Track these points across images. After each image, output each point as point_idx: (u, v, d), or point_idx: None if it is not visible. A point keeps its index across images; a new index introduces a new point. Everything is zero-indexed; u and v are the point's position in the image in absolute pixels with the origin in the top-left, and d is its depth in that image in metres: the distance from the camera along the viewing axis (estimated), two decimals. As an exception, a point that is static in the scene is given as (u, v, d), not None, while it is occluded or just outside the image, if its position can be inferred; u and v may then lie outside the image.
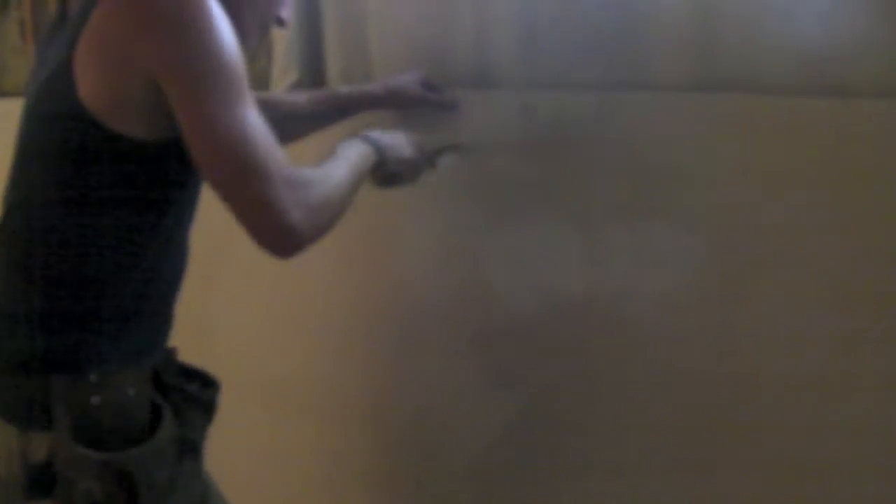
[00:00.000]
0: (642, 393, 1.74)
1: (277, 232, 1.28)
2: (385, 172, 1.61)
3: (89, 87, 1.29)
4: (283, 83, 2.12)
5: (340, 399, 2.15)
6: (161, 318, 1.48)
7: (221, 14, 1.28)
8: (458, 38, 1.95)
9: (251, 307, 2.26)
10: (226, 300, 2.27)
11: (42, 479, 1.34)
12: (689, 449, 1.70)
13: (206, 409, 1.51)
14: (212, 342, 2.05)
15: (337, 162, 1.47)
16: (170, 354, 1.49)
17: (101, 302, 1.38)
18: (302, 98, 1.87)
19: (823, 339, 1.54)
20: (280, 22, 1.57)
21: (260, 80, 2.16)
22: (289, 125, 1.76)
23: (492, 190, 1.86)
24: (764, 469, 1.62)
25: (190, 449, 1.46)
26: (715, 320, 1.64)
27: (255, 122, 1.28)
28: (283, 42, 2.12)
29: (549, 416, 1.85)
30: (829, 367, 1.54)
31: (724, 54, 1.62)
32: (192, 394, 1.48)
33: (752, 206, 1.57)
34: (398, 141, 1.64)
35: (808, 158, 1.52)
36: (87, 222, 1.36)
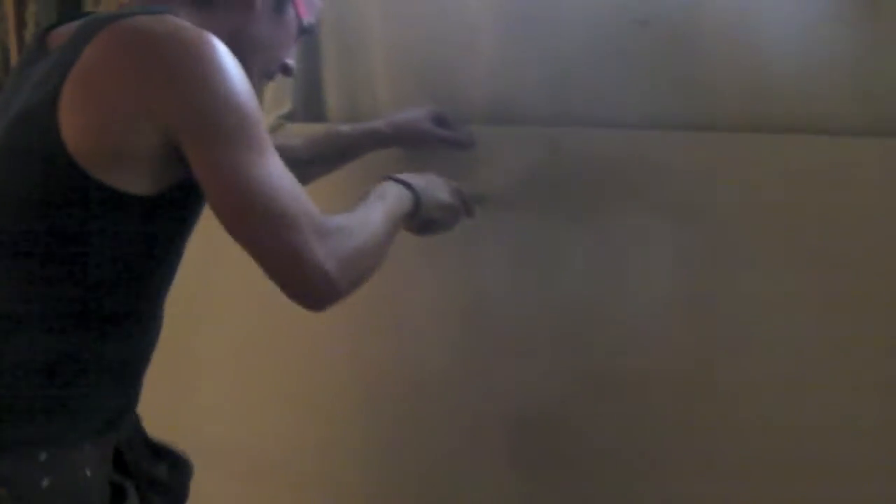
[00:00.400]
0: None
1: (311, 283, 1.26)
2: (421, 219, 1.55)
3: (76, 132, 1.23)
4: (274, 115, 2.06)
5: (334, 476, 2.09)
6: (126, 390, 1.42)
7: (233, 59, 1.26)
8: (476, 69, 1.89)
9: (237, 371, 2.22)
10: (206, 364, 2.24)
11: None
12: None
13: (176, 497, 1.49)
14: (192, 408, 2.07)
15: (371, 207, 1.43)
16: (135, 428, 1.45)
17: (57, 370, 1.31)
18: (298, 141, 1.81)
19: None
20: (285, 69, 1.55)
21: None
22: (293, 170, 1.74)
23: (513, 239, 1.83)
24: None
25: None
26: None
27: (279, 169, 1.27)
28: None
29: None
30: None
31: (766, 94, 1.60)
32: (160, 478, 1.45)
33: (784, 242, 1.58)
34: (435, 185, 1.58)
35: (851, 196, 1.51)
36: (55, 283, 1.30)
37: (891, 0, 1.49)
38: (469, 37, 1.90)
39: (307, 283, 1.25)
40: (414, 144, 1.82)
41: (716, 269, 1.63)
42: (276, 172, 1.26)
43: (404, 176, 1.53)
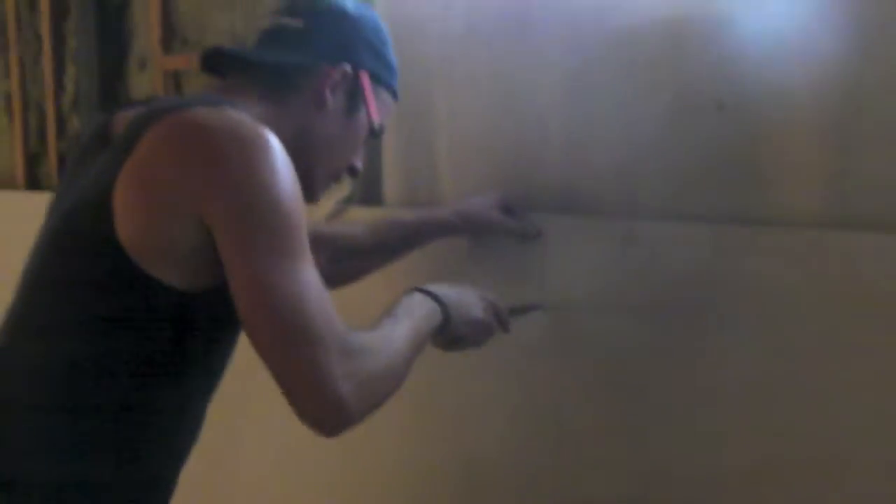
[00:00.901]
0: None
1: (324, 407, 1.25)
2: (450, 336, 1.53)
3: (129, 225, 1.26)
4: (334, 199, 2.02)
5: None
6: (167, 471, 1.45)
7: (286, 159, 1.28)
8: (545, 157, 1.86)
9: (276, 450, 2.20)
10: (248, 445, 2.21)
11: None
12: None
13: None
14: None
15: (398, 324, 1.41)
16: None
17: (105, 451, 1.35)
18: (360, 229, 1.80)
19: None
20: (352, 171, 1.57)
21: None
22: (347, 262, 1.78)
23: (584, 345, 1.79)
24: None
25: None
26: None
27: (311, 280, 1.26)
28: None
29: None
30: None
31: (858, 188, 1.56)
32: None
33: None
34: (467, 299, 1.55)
35: None
36: (100, 372, 1.32)
37: None
38: (536, 125, 1.88)
39: (320, 407, 1.25)
40: (480, 233, 1.80)
41: (798, 365, 1.58)
42: (306, 282, 1.25)
43: (435, 288, 1.51)
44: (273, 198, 1.24)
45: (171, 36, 2.47)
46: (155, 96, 1.69)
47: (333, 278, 1.63)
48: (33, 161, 2.82)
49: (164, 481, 1.44)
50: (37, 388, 1.33)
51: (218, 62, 1.49)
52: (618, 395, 1.78)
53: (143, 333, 1.31)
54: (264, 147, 1.25)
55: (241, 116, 1.29)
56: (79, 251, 1.31)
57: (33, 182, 2.82)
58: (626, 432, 1.77)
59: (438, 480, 1.98)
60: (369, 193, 2.08)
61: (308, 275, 1.25)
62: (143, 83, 2.56)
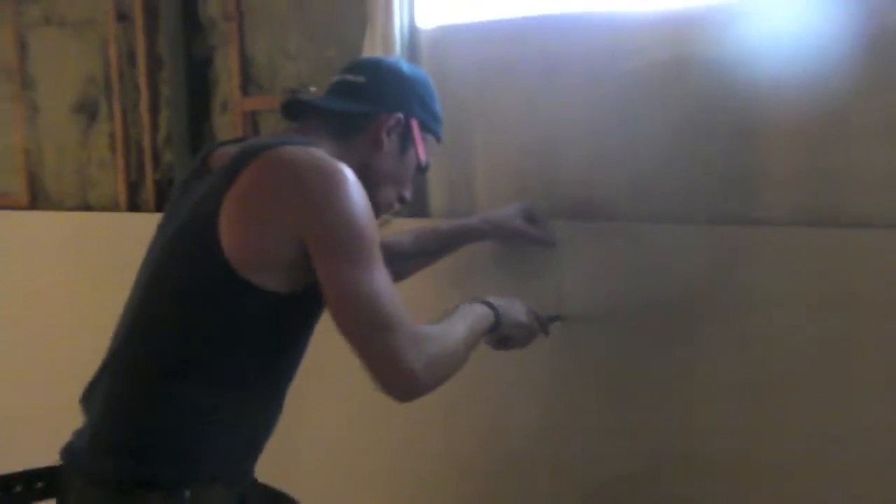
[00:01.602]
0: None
1: (400, 381, 1.36)
2: (500, 335, 1.63)
3: (233, 244, 1.36)
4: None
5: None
6: (254, 446, 1.53)
7: (360, 188, 1.39)
8: (562, 177, 1.95)
9: (334, 440, 2.24)
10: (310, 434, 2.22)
11: None
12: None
13: None
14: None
15: (457, 321, 1.52)
16: (253, 481, 1.55)
17: (203, 429, 1.43)
18: (406, 238, 1.89)
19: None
20: (402, 201, 1.65)
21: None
22: (396, 265, 1.81)
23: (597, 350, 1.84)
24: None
25: None
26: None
27: (385, 282, 1.37)
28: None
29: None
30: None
31: (830, 190, 1.62)
32: None
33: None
34: (515, 307, 1.65)
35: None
36: (206, 360, 1.42)
37: None
38: (556, 151, 1.96)
39: (399, 381, 1.37)
40: (505, 239, 1.88)
41: (799, 357, 1.61)
42: (382, 286, 1.36)
43: (489, 298, 1.62)
44: (352, 220, 1.35)
45: (248, 83, 2.54)
46: (244, 137, 1.76)
47: None
48: (133, 188, 2.85)
49: (259, 445, 1.53)
50: (157, 377, 1.41)
51: (295, 109, 1.58)
52: (623, 389, 1.79)
53: (242, 328, 1.40)
54: (343, 179, 1.36)
55: (322, 153, 1.40)
56: (188, 260, 1.41)
57: (133, 206, 2.86)
58: (627, 424, 1.78)
59: (477, 453, 2.02)
60: (418, 208, 2.12)
61: (382, 278, 1.37)
62: (225, 122, 2.63)
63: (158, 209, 2.77)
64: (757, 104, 1.69)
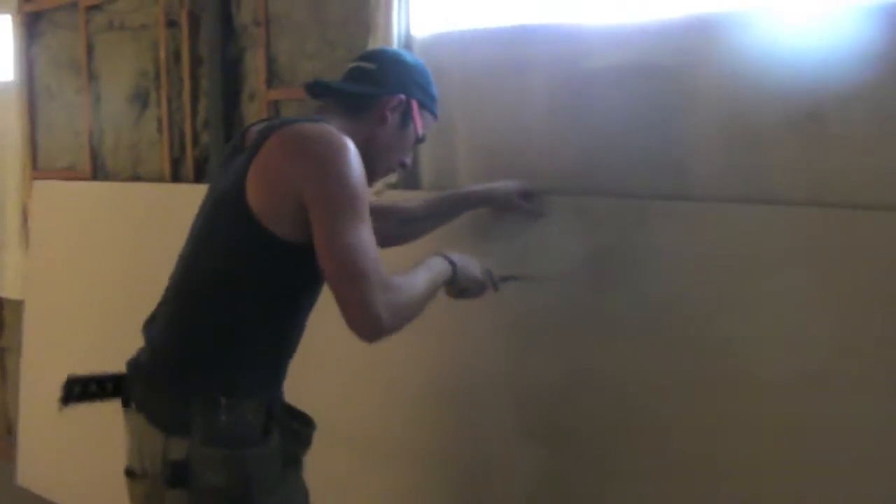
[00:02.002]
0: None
1: (367, 323, 1.42)
2: (457, 287, 1.71)
3: (255, 198, 1.48)
4: (383, 183, 2.17)
5: (413, 446, 2.20)
6: (278, 369, 1.64)
7: (358, 158, 1.47)
8: (528, 155, 2.07)
9: (345, 367, 2.27)
10: (325, 360, 2.25)
11: (180, 473, 1.49)
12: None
13: (304, 441, 1.65)
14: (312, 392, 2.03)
15: (421, 273, 1.59)
16: (279, 398, 1.64)
17: (239, 351, 1.55)
18: (418, 203, 1.98)
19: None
20: (402, 166, 1.74)
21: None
22: (409, 226, 1.94)
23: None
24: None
25: (292, 461, 1.61)
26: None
27: (366, 237, 1.44)
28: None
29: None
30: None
31: (757, 169, 1.71)
32: (294, 428, 1.62)
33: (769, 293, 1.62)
34: (471, 265, 1.73)
35: (817, 266, 1.57)
36: (241, 295, 1.54)
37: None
38: (525, 134, 2.07)
39: (365, 324, 1.42)
40: (500, 209, 1.96)
41: (723, 313, 1.67)
42: (363, 240, 1.42)
43: (449, 253, 1.69)
44: (345, 181, 1.43)
45: (272, 77, 2.68)
46: (273, 116, 1.83)
47: (400, 238, 1.92)
48: (176, 164, 3.00)
49: (282, 367, 1.63)
50: (203, 312, 1.54)
51: (317, 90, 1.68)
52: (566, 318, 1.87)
53: (269, 271, 1.51)
54: (343, 149, 1.45)
55: (331, 128, 1.49)
56: (227, 219, 1.53)
57: (176, 177, 3.00)
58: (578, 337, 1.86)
59: (455, 381, 2.10)
60: (411, 181, 2.25)
61: (364, 234, 1.43)
62: (252, 109, 2.77)
63: (197, 180, 2.94)
64: (686, 100, 1.79)
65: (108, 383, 1.65)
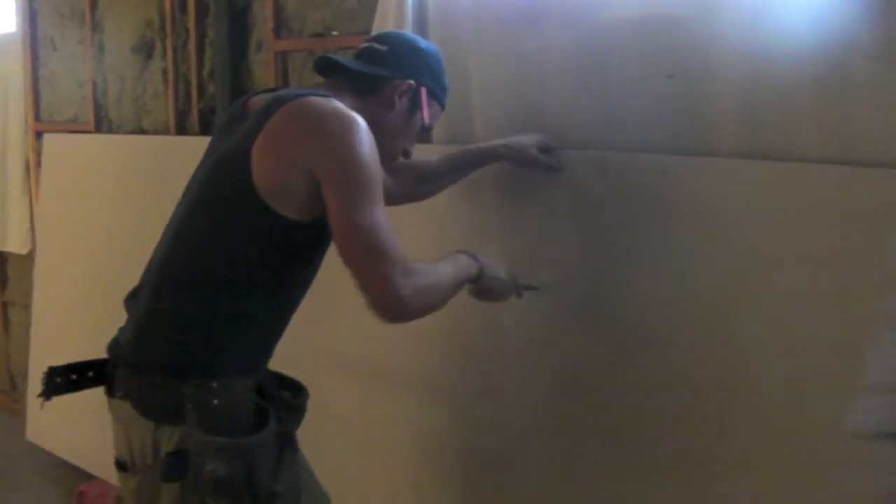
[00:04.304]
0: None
1: (389, 303, 1.36)
2: (481, 286, 1.65)
3: (261, 175, 1.40)
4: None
5: (422, 377, 2.14)
6: (270, 346, 1.57)
7: (370, 136, 1.41)
8: (545, 107, 1.96)
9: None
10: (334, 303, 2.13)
11: (175, 464, 1.41)
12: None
13: (298, 411, 1.59)
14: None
15: (447, 264, 1.55)
16: (268, 370, 1.58)
17: (231, 329, 1.47)
18: (436, 158, 1.88)
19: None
20: (406, 154, 1.67)
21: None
22: (427, 183, 1.87)
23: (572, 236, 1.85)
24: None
25: (289, 443, 1.54)
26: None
27: (383, 219, 1.38)
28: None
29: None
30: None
31: (763, 127, 1.64)
32: (287, 400, 1.56)
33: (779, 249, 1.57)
34: (496, 266, 1.68)
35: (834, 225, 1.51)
36: (237, 272, 1.45)
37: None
38: (540, 85, 1.98)
39: (387, 303, 1.36)
40: (519, 164, 1.86)
41: (729, 273, 1.62)
42: (381, 219, 1.37)
43: (478, 254, 1.64)
44: (360, 161, 1.37)
45: (280, 26, 2.60)
46: (278, 87, 1.80)
47: (417, 195, 1.86)
48: (181, 116, 2.94)
49: (272, 345, 1.57)
50: (193, 287, 1.44)
51: (326, 67, 1.61)
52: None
53: (266, 248, 1.43)
54: (357, 127, 1.39)
55: (342, 105, 1.42)
56: (225, 188, 1.44)
57: (181, 130, 2.94)
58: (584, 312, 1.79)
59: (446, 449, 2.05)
60: (422, 136, 2.00)
61: (381, 213, 1.37)
62: (259, 60, 2.70)
63: (203, 133, 2.84)
64: (712, 54, 1.70)
65: (89, 370, 1.55)
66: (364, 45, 1.64)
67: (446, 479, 2.09)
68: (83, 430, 2.97)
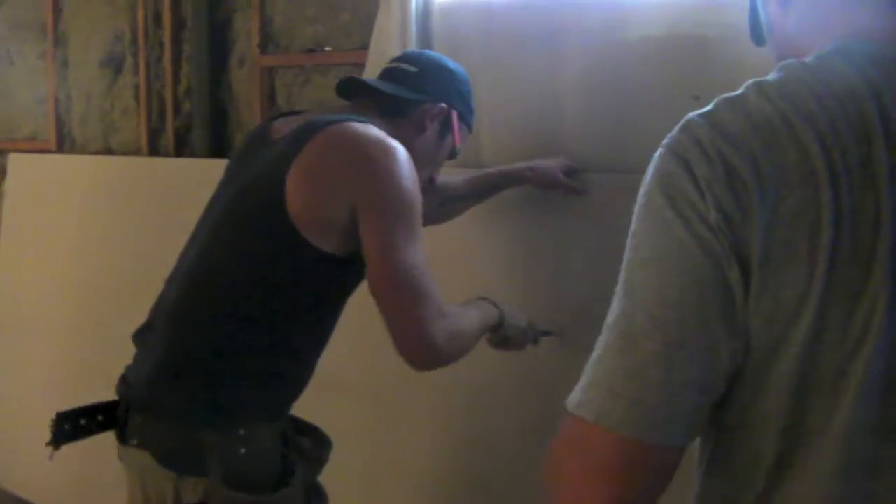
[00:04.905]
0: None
1: (423, 349, 1.29)
2: (501, 334, 1.59)
3: (297, 205, 1.31)
4: None
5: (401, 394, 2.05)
6: (297, 388, 1.47)
7: (413, 166, 1.34)
8: (560, 130, 1.92)
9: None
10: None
11: None
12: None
13: (322, 462, 1.50)
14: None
15: (472, 310, 1.48)
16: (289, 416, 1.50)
17: (260, 372, 1.38)
18: (459, 181, 1.82)
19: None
20: (431, 181, 1.61)
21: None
22: (450, 205, 1.81)
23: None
24: None
25: (316, 494, 1.46)
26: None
27: (424, 256, 1.31)
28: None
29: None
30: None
31: None
32: (304, 448, 1.47)
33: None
34: (517, 315, 1.62)
35: None
36: (268, 309, 1.36)
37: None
38: (554, 107, 1.92)
39: (421, 350, 1.29)
40: (544, 187, 1.81)
41: None
42: (421, 259, 1.30)
43: (498, 301, 1.58)
44: (404, 194, 1.31)
45: (266, 41, 2.48)
46: (302, 110, 1.69)
47: (441, 216, 1.80)
48: (154, 135, 2.76)
49: (299, 392, 1.47)
50: (218, 327, 1.35)
51: (349, 88, 1.53)
52: None
53: (297, 284, 1.35)
54: (401, 157, 1.33)
55: (382, 132, 1.35)
56: (253, 218, 1.36)
57: (154, 150, 2.75)
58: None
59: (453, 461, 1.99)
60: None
61: (422, 253, 1.31)
62: (242, 76, 2.56)
63: (178, 154, 2.67)
64: (732, 73, 1.59)
65: (98, 414, 1.45)
66: (391, 65, 1.57)
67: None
68: (50, 473, 2.80)
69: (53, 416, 1.44)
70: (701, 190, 0.73)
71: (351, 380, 2.11)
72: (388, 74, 1.54)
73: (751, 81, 0.79)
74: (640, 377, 0.72)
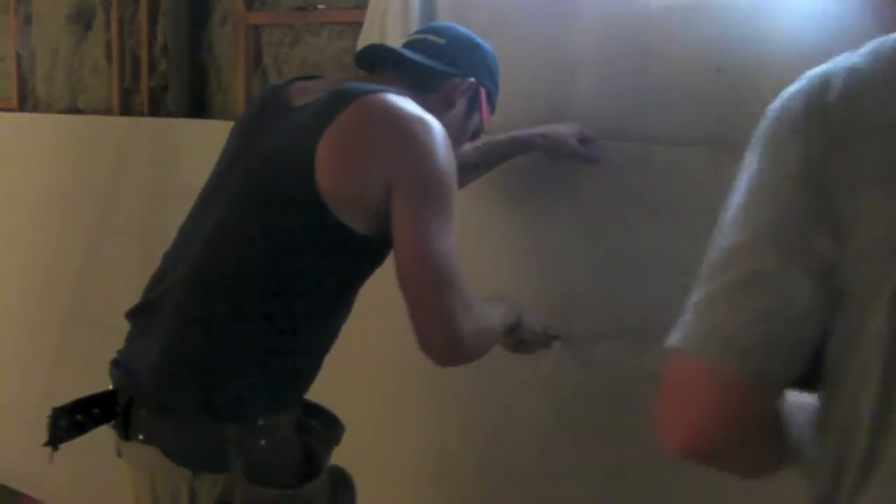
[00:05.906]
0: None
1: (448, 341, 1.23)
2: (516, 337, 1.55)
3: (328, 178, 1.23)
4: None
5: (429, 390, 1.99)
6: (313, 374, 1.40)
7: (450, 144, 1.27)
8: (574, 98, 1.83)
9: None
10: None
11: None
12: None
13: (335, 442, 1.42)
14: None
15: (493, 309, 1.42)
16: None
17: (274, 361, 1.30)
18: (467, 149, 1.70)
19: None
20: None
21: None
22: (461, 175, 1.66)
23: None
24: None
25: (342, 480, 1.37)
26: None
27: (454, 242, 1.24)
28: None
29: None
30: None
31: None
32: (324, 434, 1.38)
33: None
34: (532, 317, 1.58)
35: None
36: (292, 287, 1.28)
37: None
38: (568, 74, 1.84)
39: (446, 342, 1.24)
40: (556, 154, 1.73)
41: None
42: (453, 245, 1.24)
43: (515, 303, 1.54)
44: (443, 173, 1.24)
45: None
46: (319, 74, 1.64)
47: None
48: (127, 95, 2.61)
49: (315, 375, 1.41)
50: (235, 311, 1.27)
51: (371, 58, 1.45)
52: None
53: (324, 264, 1.28)
54: (439, 132, 1.26)
55: (418, 107, 1.27)
56: (282, 192, 1.27)
57: (126, 110, 2.60)
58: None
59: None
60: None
61: (453, 238, 1.25)
62: (225, 34, 2.41)
63: (153, 114, 2.50)
64: (758, 44, 1.62)
65: (93, 407, 1.35)
66: (416, 35, 1.50)
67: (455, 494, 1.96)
68: (42, 465, 2.69)
69: (49, 413, 1.34)
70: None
71: (354, 368, 2.00)
72: (413, 46, 1.45)
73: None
74: (718, 305, 0.77)
